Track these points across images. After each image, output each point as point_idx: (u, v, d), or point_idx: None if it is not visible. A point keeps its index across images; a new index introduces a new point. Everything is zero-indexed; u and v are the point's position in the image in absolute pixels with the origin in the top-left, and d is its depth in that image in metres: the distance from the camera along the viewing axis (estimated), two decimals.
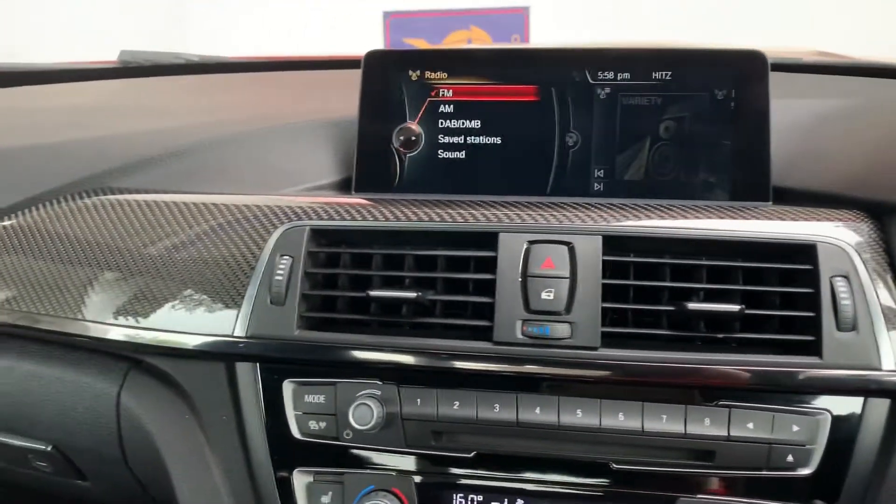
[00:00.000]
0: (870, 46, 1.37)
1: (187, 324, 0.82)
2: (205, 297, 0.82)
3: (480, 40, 4.96)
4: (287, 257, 0.79)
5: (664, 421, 0.73)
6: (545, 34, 4.77)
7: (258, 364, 0.80)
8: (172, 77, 1.36)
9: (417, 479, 0.77)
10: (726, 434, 0.72)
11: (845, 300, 0.72)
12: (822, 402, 0.73)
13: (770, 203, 0.85)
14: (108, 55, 1.42)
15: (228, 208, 0.85)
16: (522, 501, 0.76)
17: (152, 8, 4.70)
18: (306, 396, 0.79)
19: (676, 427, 0.73)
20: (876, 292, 0.74)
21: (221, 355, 0.80)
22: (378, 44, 4.90)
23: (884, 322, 0.72)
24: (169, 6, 4.86)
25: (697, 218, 0.79)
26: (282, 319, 0.78)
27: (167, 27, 4.82)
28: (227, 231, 0.84)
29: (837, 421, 0.73)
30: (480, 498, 0.77)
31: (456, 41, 4.98)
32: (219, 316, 0.81)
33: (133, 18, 4.47)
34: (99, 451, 0.89)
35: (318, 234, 0.81)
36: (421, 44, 4.97)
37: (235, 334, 0.79)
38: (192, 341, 0.81)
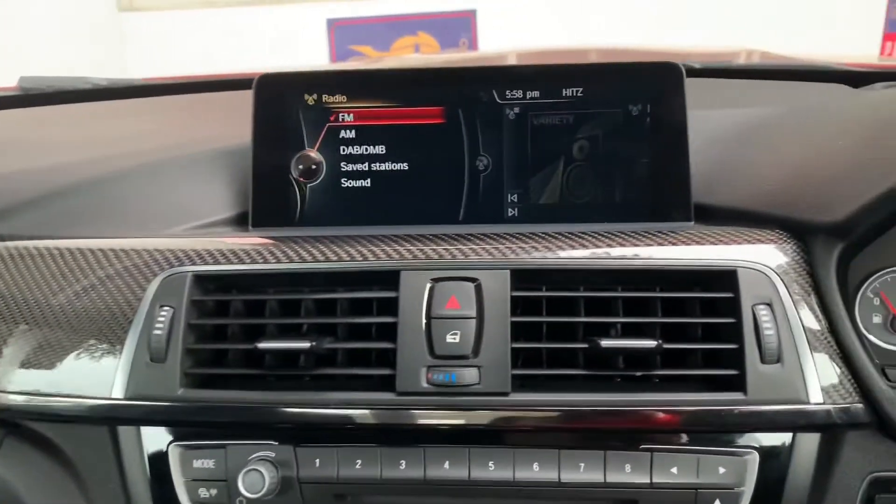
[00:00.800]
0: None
1: (63, 385, 0.74)
2: (81, 355, 0.74)
3: (428, 46, 4.92)
4: (168, 308, 0.72)
5: (582, 470, 0.68)
6: (493, 38, 4.75)
7: (141, 427, 0.73)
8: (76, 105, 1.28)
9: None
10: (649, 481, 0.67)
11: (769, 330, 0.67)
12: (749, 440, 0.69)
13: (692, 223, 0.80)
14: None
15: (105, 254, 0.78)
16: None
17: (92, 30, 4.56)
18: (195, 461, 0.72)
19: (595, 476, 0.67)
20: (801, 320, 0.69)
21: (101, 419, 0.73)
22: (324, 52, 4.82)
23: (809, 352, 0.68)
24: (108, 26, 4.73)
25: (612, 246, 0.74)
26: (163, 378, 0.71)
27: (107, 50, 4.69)
28: (105, 280, 0.76)
29: (766, 460, 0.68)
30: None
31: (403, 47, 4.93)
32: (96, 376, 0.73)
33: (72, 45, 4.34)
34: None
35: (203, 280, 0.74)
36: (368, 51, 4.90)
37: (114, 396, 0.72)
38: (68, 405, 0.73)
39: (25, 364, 0.75)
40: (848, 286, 0.75)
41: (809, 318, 0.69)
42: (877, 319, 0.76)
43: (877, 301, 0.76)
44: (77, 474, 0.76)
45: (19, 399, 0.74)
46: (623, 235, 0.75)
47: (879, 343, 0.75)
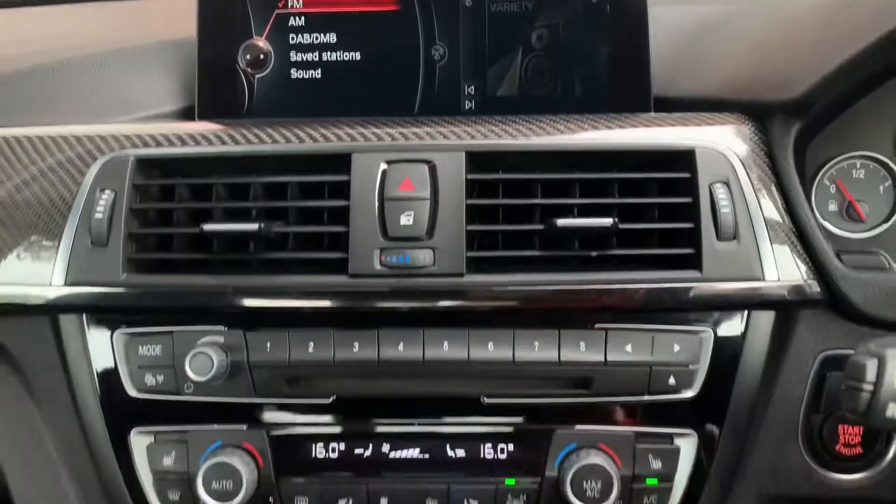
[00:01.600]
0: None
1: (1, 275, 0.71)
2: (19, 243, 0.71)
3: None
4: (108, 192, 0.69)
5: (536, 349, 0.67)
6: None
7: (84, 315, 0.70)
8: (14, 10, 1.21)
9: (271, 431, 0.69)
10: (603, 359, 0.67)
11: (725, 208, 0.67)
12: (704, 318, 0.68)
13: (651, 113, 0.79)
14: None
15: (44, 141, 0.74)
16: (388, 445, 0.69)
17: None
18: (140, 348, 0.69)
19: (550, 354, 0.67)
20: (758, 199, 0.68)
21: (40, 307, 0.70)
22: None
23: (766, 229, 0.67)
24: None
25: (572, 131, 0.73)
26: (105, 263, 0.68)
27: None
28: (43, 167, 0.73)
29: (720, 338, 0.68)
30: (342, 446, 0.69)
31: None
32: (36, 264, 0.70)
33: None
34: None
35: (147, 165, 0.71)
36: None
37: (53, 282, 0.69)
38: (4, 292, 0.70)
39: None
40: (805, 174, 0.75)
41: (766, 198, 0.69)
42: (832, 207, 0.76)
43: (833, 188, 0.76)
44: (18, 367, 0.73)
45: None
46: (583, 122, 0.73)
47: (834, 230, 0.75)
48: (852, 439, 0.70)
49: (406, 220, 0.67)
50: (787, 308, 0.68)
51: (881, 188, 0.75)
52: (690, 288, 0.66)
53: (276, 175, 0.70)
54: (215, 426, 0.69)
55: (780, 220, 0.69)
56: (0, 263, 0.71)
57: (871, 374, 0.56)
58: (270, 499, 0.69)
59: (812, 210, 0.71)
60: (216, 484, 0.66)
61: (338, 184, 0.69)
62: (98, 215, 0.68)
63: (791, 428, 0.70)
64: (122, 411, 0.70)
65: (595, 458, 0.66)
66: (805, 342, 0.69)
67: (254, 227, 0.66)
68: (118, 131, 0.74)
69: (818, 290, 0.67)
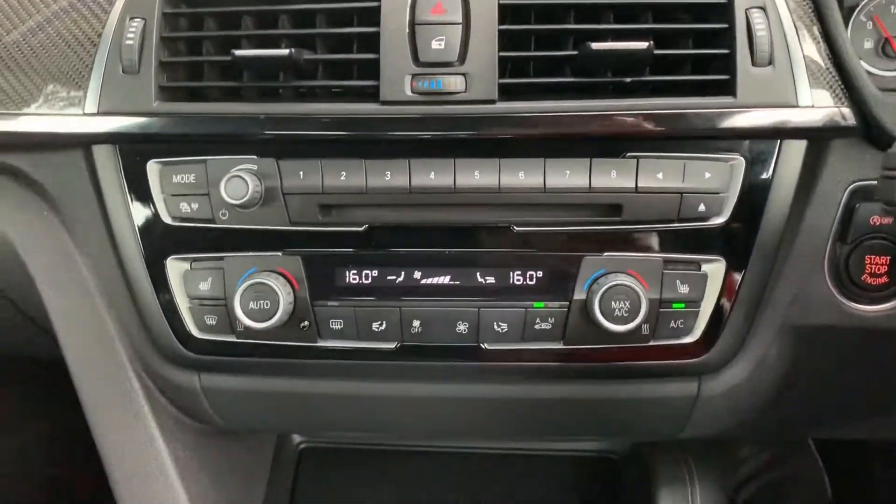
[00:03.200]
0: None
1: (33, 108, 0.71)
2: (51, 74, 0.71)
3: None
4: (138, 20, 0.69)
5: (568, 176, 0.67)
6: None
7: (117, 146, 0.71)
8: None
9: (306, 257, 0.70)
10: (634, 185, 0.67)
11: (761, 31, 0.66)
12: (736, 146, 0.68)
13: None
14: None
15: None
16: (420, 273, 0.71)
17: None
18: (174, 177, 0.70)
19: (581, 181, 0.67)
20: (794, 25, 0.67)
21: (74, 137, 0.71)
22: None
23: (802, 56, 0.67)
24: None
25: None
26: (137, 90, 0.68)
27: None
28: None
29: (751, 166, 0.68)
30: (375, 273, 0.71)
31: None
32: (68, 94, 0.71)
33: None
34: None
35: None
36: None
37: (86, 111, 0.69)
38: (38, 125, 0.71)
39: None
40: (843, 9, 0.73)
41: (803, 24, 0.68)
42: (868, 45, 0.75)
43: (869, 25, 0.74)
44: (56, 205, 0.75)
45: None
46: None
47: (869, 68, 0.74)
48: (878, 269, 0.70)
49: (437, 45, 0.67)
50: (819, 136, 0.68)
51: None
52: (724, 113, 0.66)
53: (305, 3, 0.70)
54: (251, 253, 0.70)
55: (817, 47, 0.68)
56: (33, 97, 0.72)
57: None
58: (306, 322, 0.70)
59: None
60: (253, 304, 0.68)
61: (367, 10, 0.68)
62: (129, 41, 0.68)
63: (818, 258, 0.70)
64: (158, 240, 0.71)
65: (624, 280, 0.67)
66: (836, 172, 0.69)
67: (284, 53, 0.66)
68: None
69: (852, 117, 0.67)
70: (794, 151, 0.68)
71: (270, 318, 0.68)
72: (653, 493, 0.88)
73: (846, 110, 0.67)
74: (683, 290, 0.69)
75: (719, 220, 0.68)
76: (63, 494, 1.50)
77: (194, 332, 0.73)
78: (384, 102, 0.67)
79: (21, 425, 1.40)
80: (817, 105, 0.66)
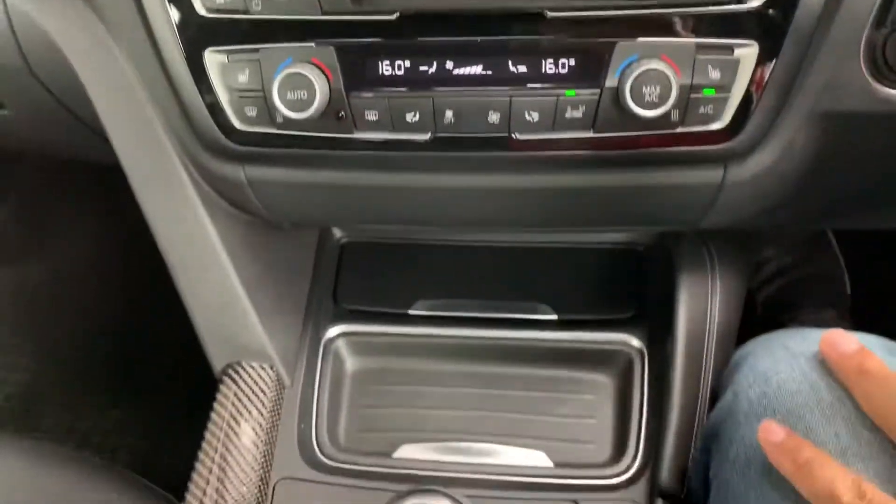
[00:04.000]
0: None
1: None
2: None
3: None
4: None
5: None
6: None
7: None
8: None
9: (339, 47, 0.71)
10: None
11: None
12: None
13: None
14: None
15: None
16: (452, 62, 0.71)
17: None
18: None
19: None
20: None
21: None
22: None
23: None
24: None
25: None
26: None
27: None
28: None
29: None
30: (408, 63, 0.71)
31: None
32: None
33: None
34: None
35: None
36: None
37: None
38: None
39: None
40: None
41: None
42: None
43: None
44: (95, 6, 0.75)
45: None
46: None
47: None
48: None
49: None
50: None
51: None
52: None
53: None
54: (285, 44, 0.71)
55: None
56: None
57: None
58: (342, 113, 0.73)
59: None
60: (291, 95, 0.70)
61: None
62: None
63: (854, 43, 0.69)
64: (194, 33, 0.72)
65: (656, 65, 0.67)
66: None
67: None
68: None
69: None
70: None
71: (308, 109, 0.70)
72: (675, 281, 0.93)
73: None
74: (714, 75, 0.69)
75: (755, 3, 0.67)
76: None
77: (237, 124, 0.75)
78: None
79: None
80: None
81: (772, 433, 0.64)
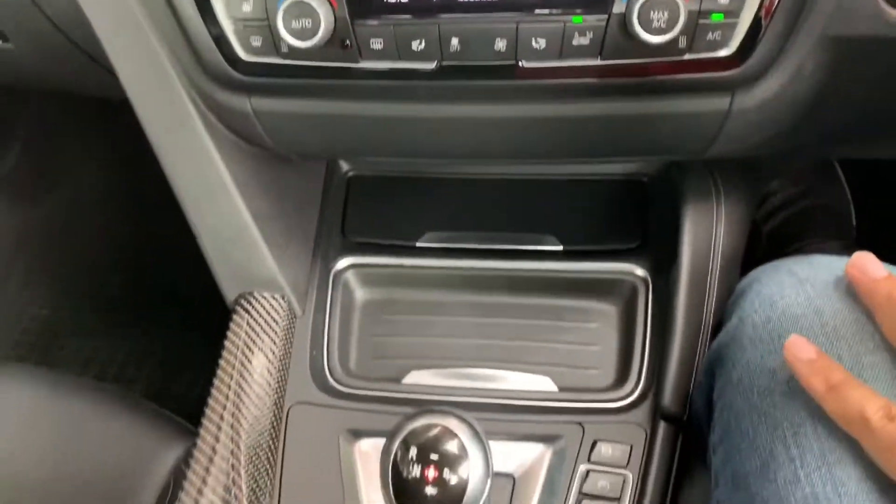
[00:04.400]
0: None
1: None
2: None
3: None
4: None
5: None
6: None
7: None
8: None
9: None
10: None
11: None
12: None
13: None
14: None
15: None
16: None
17: None
18: None
19: None
20: None
21: None
22: None
23: None
24: None
25: None
26: None
27: None
28: None
29: None
30: None
31: None
32: None
33: None
34: None
35: None
36: None
37: None
38: None
39: None
40: None
41: None
42: None
43: None
44: None
45: None
46: None
47: None
48: None
49: None
50: None
51: None
52: None
53: None
54: None
55: None
56: None
57: None
58: (346, 41, 0.72)
59: None
60: (295, 23, 0.69)
61: None
62: None
63: None
64: None
65: None
66: None
67: None
68: None
69: None
70: None
71: (312, 37, 0.70)
72: (680, 211, 0.93)
73: None
74: (723, 0, 0.68)
75: None
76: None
77: (242, 54, 0.75)
78: None
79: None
80: None
81: (801, 349, 0.63)
